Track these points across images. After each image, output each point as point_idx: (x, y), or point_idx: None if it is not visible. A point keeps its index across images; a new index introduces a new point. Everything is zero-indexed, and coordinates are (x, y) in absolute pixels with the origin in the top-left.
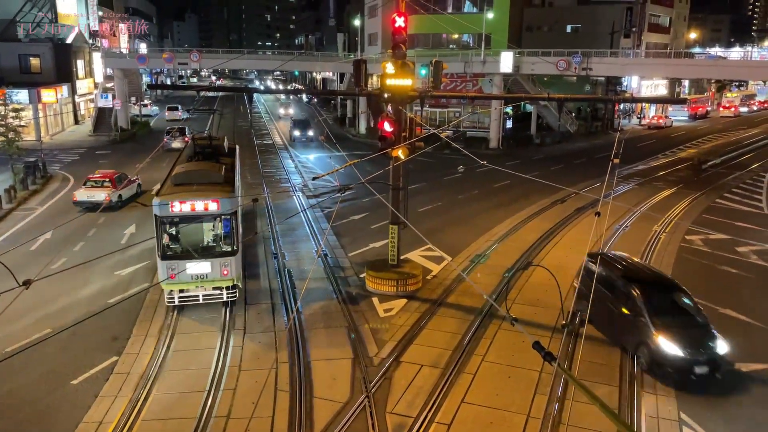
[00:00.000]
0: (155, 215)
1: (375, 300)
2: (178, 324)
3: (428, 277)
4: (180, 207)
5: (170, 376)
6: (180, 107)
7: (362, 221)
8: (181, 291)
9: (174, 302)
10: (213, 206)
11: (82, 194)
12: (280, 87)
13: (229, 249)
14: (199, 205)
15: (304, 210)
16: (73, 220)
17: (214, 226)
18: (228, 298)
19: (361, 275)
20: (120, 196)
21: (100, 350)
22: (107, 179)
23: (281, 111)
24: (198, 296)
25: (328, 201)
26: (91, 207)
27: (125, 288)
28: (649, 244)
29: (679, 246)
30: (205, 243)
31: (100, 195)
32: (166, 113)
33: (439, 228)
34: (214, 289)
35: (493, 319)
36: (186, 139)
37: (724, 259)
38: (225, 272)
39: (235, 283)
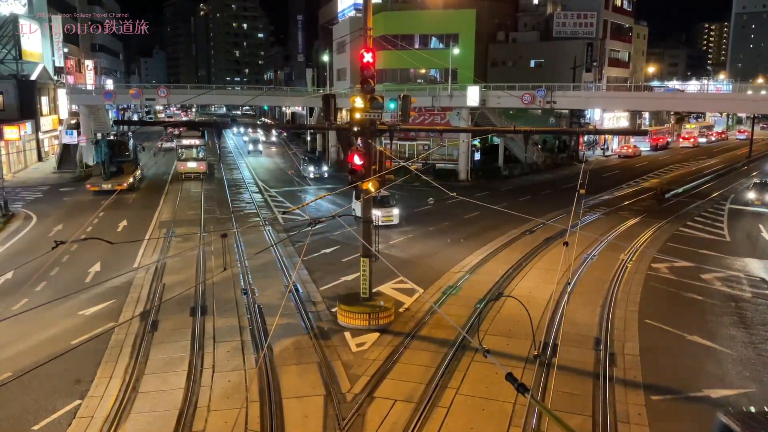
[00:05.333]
0: (176, 145)
1: (347, 334)
2: (145, 364)
3: (400, 310)
4: (184, 141)
5: (136, 419)
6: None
7: (333, 255)
8: (186, 173)
9: (182, 176)
10: (197, 142)
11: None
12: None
13: (203, 158)
14: (192, 142)
15: (275, 245)
16: (35, 259)
17: (196, 149)
18: (202, 177)
19: (333, 309)
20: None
21: (62, 394)
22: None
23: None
24: (191, 175)
25: (299, 235)
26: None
27: (90, 328)
28: (616, 272)
29: (645, 274)
30: (193, 156)
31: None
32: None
33: (410, 260)
34: (196, 173)
35: (466, 351)
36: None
37: (689, 286)
38: (201, 167)
39: (205, 171)
